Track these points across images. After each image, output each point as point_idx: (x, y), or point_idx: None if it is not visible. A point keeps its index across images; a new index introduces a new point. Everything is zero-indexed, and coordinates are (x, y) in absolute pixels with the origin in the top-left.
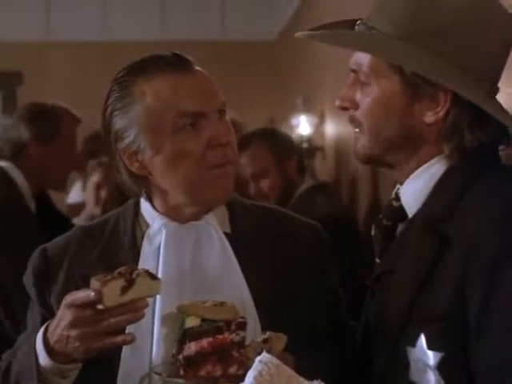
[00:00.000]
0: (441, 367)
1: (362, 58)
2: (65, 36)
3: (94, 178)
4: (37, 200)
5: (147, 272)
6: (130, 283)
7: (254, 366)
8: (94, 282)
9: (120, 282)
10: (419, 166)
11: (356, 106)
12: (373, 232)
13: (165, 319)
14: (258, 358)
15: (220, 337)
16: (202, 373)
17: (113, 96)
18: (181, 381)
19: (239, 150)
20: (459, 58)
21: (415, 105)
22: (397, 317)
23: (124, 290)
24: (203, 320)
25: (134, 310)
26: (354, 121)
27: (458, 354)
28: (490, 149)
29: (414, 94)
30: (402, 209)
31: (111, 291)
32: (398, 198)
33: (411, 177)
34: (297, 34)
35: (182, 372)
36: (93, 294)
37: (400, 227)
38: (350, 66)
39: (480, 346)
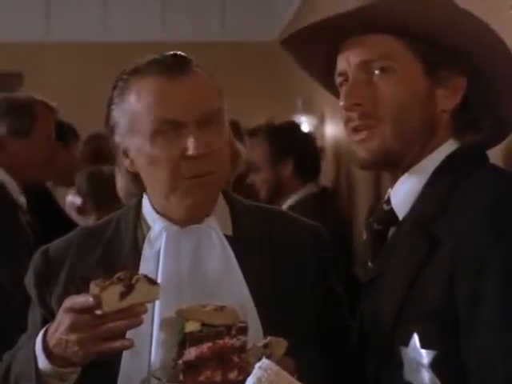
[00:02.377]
0: (434, 365)
1: (382, 46)
2: (65, 37)
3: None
4: (34, 197)
5: (146, 277)
6: (128, 289)
7: (254, 372)
8: (93, 287)
9: (119, 288)
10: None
11: (371, 101)
12: (364, 236)
13: (164, 323)
14: (258, 365)
15: (220, 342)
16: (202, 378)
17: (114, 91)
18: None
19: (249, 137)
20: None
21: (436, 91)
22: (389, 318)
23: (123, 295)
24: (203, 325)
25: (133, 315)
26: (369, 117)
27: (451, 351)
28: (479, 147)
29: (435, 80)
30: (392, 212)
31: (110, 296)
32: (388, 202)
33: (400, 180)
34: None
35: (181, 377)
36: (91, 299)
37: (392, 231)
38: (357, 59)
39: (470, 342)
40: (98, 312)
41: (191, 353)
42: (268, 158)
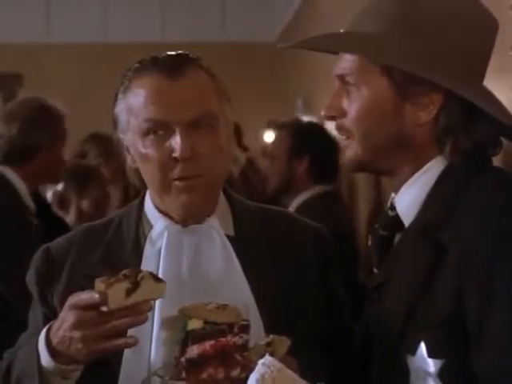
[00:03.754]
0: (442, 374)
1: (351, 62)
2: (64, 37)
3: None
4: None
5: (152, 274)
6: (134, 286)
7: (257, 368)
8: (99, 284)
9: (125, 285)
10: (413, 171)
11: (344, 114)
12: (369, 242)
13: (167, 322)
14: (261, 361)
15: (222, 340)
16: (205, 376)
17: (119, 88)
18: (183, 383)
19: (274, 129)
20: (450, 55)
21: (406, 106)
22: (395, 326)
23: (129, 292)
24: (206, 322)
25: (138, 312)
26: (342, 129)
27: (459, 360)
28: (481, 151)
29: (404, 96)
30: (398, 218)
31: (116, 293)
32: (393, 208)
33: (405, 186)
34: (280, 45)
35: (184, 374)
36: (97, 295)
37: (397, 237)
38: (335, 72)
39: (480, 351)
40: (104, 309)
41: (194, 350)
42: (286, 152)
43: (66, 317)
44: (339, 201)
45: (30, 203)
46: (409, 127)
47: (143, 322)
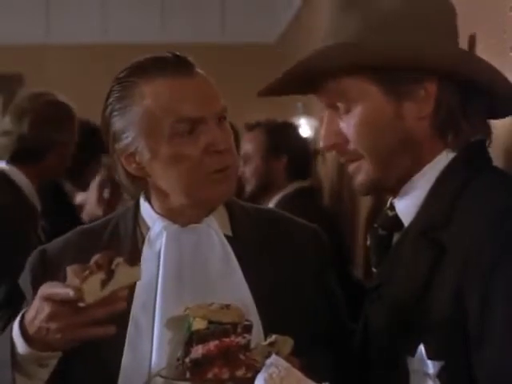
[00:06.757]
0: (441, 376)
1: (333, 87)
2: (65, 38)
3: (98, 177)
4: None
5: (126, 260)
6: (109, 275)
7: (265, 368)
8: (72, 278)
9: (99, 276)
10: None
11: (344, 138)
12: (368, 242)
13: (171, 322)
14: (269, 361)
15: (226, 340)
16: (209, 376)
17: (113, 96)
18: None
19: (247, 130)
20: (418, 44)
21: (404, 105)
22: (394, 326)
23: (104, 283)
24: (210, 322)
25: (114, 300)
26: (346, 153)
27: (458, 361)
28: (481, 149)
29: (398, 95)
30: (397, 218)
31: (91, 287)
32: (392, 208)
33: (404, 187)
34: (260, 93)
35: (188, 375)
36: (72, 292)
37: (396, 236)
38: (322, 101)
39: (481, 353)
40: (81, 305)
41: (198, 351)
42: (262, 151)
43: (41, 308)
44: (317, 196)
45: (36, 202)
46: (412, 125)
47: (121, 309)
